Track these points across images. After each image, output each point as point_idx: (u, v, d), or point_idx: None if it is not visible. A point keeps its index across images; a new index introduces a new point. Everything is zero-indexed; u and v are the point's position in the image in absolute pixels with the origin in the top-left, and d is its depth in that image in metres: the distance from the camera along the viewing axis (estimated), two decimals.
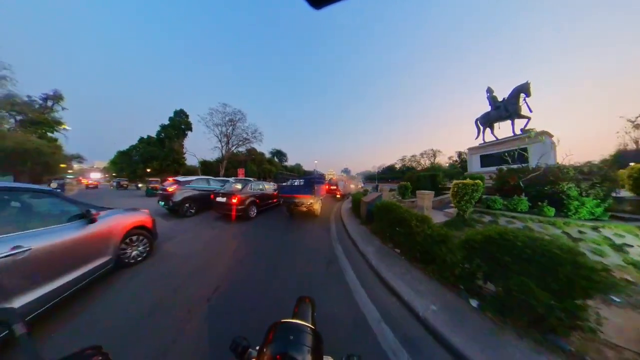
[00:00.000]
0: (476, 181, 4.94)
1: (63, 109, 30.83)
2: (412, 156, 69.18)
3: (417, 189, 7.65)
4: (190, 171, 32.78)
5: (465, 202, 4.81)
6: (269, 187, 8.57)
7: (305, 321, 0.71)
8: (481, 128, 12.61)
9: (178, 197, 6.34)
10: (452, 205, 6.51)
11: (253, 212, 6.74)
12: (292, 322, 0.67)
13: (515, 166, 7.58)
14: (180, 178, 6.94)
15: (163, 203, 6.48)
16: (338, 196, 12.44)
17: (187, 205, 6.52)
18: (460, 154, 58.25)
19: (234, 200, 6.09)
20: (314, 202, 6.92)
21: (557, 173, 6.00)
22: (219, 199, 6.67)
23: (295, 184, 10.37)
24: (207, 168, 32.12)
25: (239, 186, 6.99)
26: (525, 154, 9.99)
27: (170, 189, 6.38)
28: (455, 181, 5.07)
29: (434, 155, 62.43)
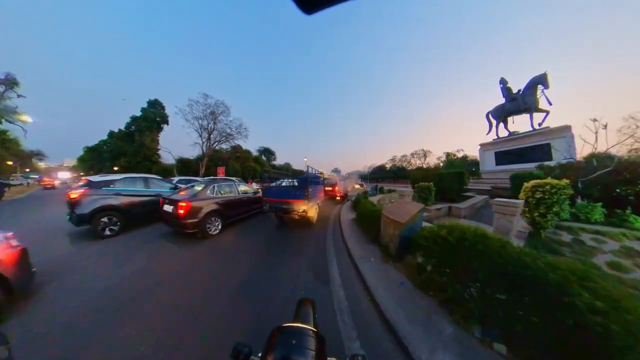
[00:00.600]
0: (563, 181, 3.22)
1: (19, 96, 26.20)
2: (403, 156, 69.04)
3: (440, 190, 5.89)
4: (167, 170, 29.40)
5: (554, 214, 3.04)
6: (246, 189, 6.46)
7: (306, 324, 0.70)
8: (494, 122, 11.32)
9: (87, 208, 3.93)
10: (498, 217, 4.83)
11: (214, 226, 4.60)
12: (294, 326, 0.66)
13: (565, 161, 6.11)
14: (97, 177, 4.53)
15: (69, 216, 4.12)
16: (338, 198, 11.25)
17: (104, 219, 4.17)
18: (447, 155, 58.81)
19: (180, 211, 3.94)
20: (308, 209, 5.05)
21: (636, 169, 4.50)
22: (166, 207, 4.49)
23: (285, 184, 8.41)
24: (185, 166, 28.75)
25: (198, 188, 4.82)
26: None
27: (73, 195, 4.01)
28: (534, 182, 3.31)
29: (425, 156, 62.58)
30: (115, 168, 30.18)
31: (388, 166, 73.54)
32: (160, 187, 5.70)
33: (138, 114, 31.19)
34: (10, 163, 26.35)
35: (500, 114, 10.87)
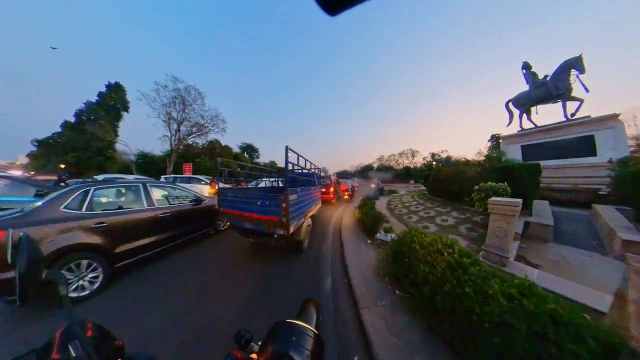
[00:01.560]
0: None
1: None
2: (391, 155, 69.04)
3: (513, 192, 3.74)
4: (126, 168, 24.99)
5: None
6: (185, 195, 3.95)
7: (309, 324, 0.69)
8: (515, 112, 9.74)
9: None
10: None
11: (79, 278, 2.07)
12: (297, 323, 0.66)
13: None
14: None
15: None
16: (346, 197, 10.81)
17: None
18: (433, 155, 59.59)
19: None
20: (288, 231, 2.75)
21: None
22: None
23: (262, 186, 5.89)
24: (148, 164, 24.53)
25: (46, 199, 2.18)
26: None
27: None
28: None
29: (413, 155, 62.88)
30: (62, 165, 25.14)
31: (375, 165, 73.23)
32: (7, 193, 3.06)
33: (93, 99, 26.25)
34: None
35: (525, 103, 9.27)
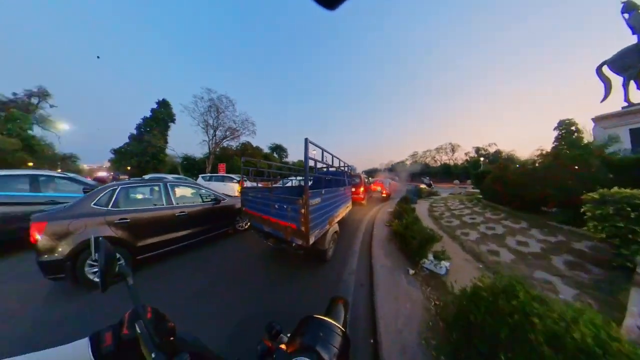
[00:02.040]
0: None
1: (51, 106, 27.74)
2: (426, 151, 62.89)
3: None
4: (174, 169, 28.83)
5: None
6: (205, 193, 3.93)
7: (337, 322, 0.69)
8: (616, 80, 7.02)
9: None
10: None
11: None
12: (325, 319, 0.67)
13: None
14: None
15: None
16: (384, 195, 10.60)
17: None
18: (478, 150, 51.66)
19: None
20: (307, 240, 2.30)
21: None
22: None
23: (288, 185, 5.56)
24: (191, 165, 27.99)
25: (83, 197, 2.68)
26: None
27: None
28: None
29: (453, 150, 56.05)
30: (128, 168, 30.13)
31: (408, 163, 67.85)
32: (63, 189, 3.84)
33: (148, 114, 30.96)
34: (30, 164, 26.61)
35: (634, 63, 6.52)
